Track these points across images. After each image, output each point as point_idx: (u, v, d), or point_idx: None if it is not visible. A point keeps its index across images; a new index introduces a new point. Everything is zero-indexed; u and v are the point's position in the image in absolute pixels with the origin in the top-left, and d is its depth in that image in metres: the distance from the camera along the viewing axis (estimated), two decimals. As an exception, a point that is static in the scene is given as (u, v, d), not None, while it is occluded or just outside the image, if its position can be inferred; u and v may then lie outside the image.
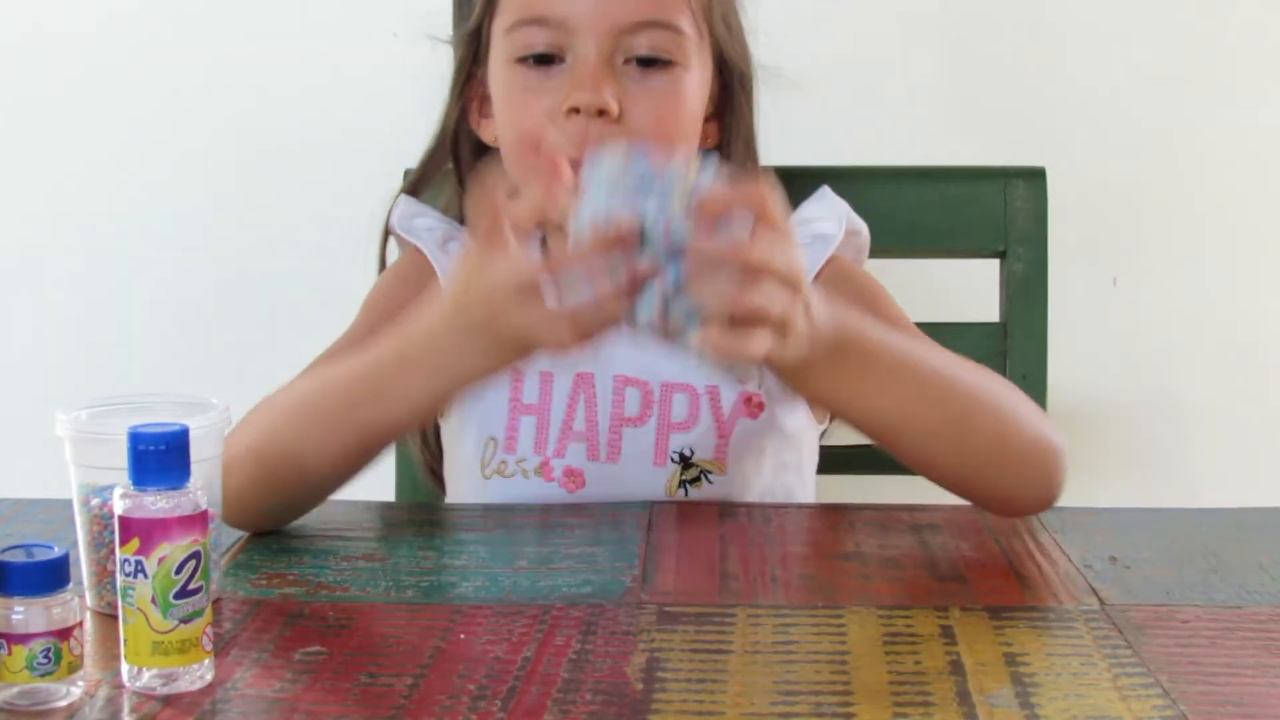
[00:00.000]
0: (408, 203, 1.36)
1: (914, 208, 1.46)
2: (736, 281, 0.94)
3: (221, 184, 1.90)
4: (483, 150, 1.35)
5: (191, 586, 0.86)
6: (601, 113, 1.21)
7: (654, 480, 1.26)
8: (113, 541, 0.89)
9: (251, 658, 0.91)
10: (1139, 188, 1.86)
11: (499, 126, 1.30)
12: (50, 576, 0.85)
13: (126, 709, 0.85)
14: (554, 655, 0.91)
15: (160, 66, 1.88)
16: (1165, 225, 1.87)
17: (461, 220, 1.35)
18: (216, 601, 0.99)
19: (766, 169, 1.34)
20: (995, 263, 1.47)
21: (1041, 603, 1.00)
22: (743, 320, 0.95)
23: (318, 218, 1.89)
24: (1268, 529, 1.16)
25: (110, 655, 0.90)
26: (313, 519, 1.16)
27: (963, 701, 0.85)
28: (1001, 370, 1.45)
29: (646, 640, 0.94)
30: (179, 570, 0.86)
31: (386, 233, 1.40)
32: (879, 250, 1.38)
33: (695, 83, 1.27)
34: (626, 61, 1.24)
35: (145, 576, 0.85)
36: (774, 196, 0.97)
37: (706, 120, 1.31)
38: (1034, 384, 1.44)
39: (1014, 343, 1.45)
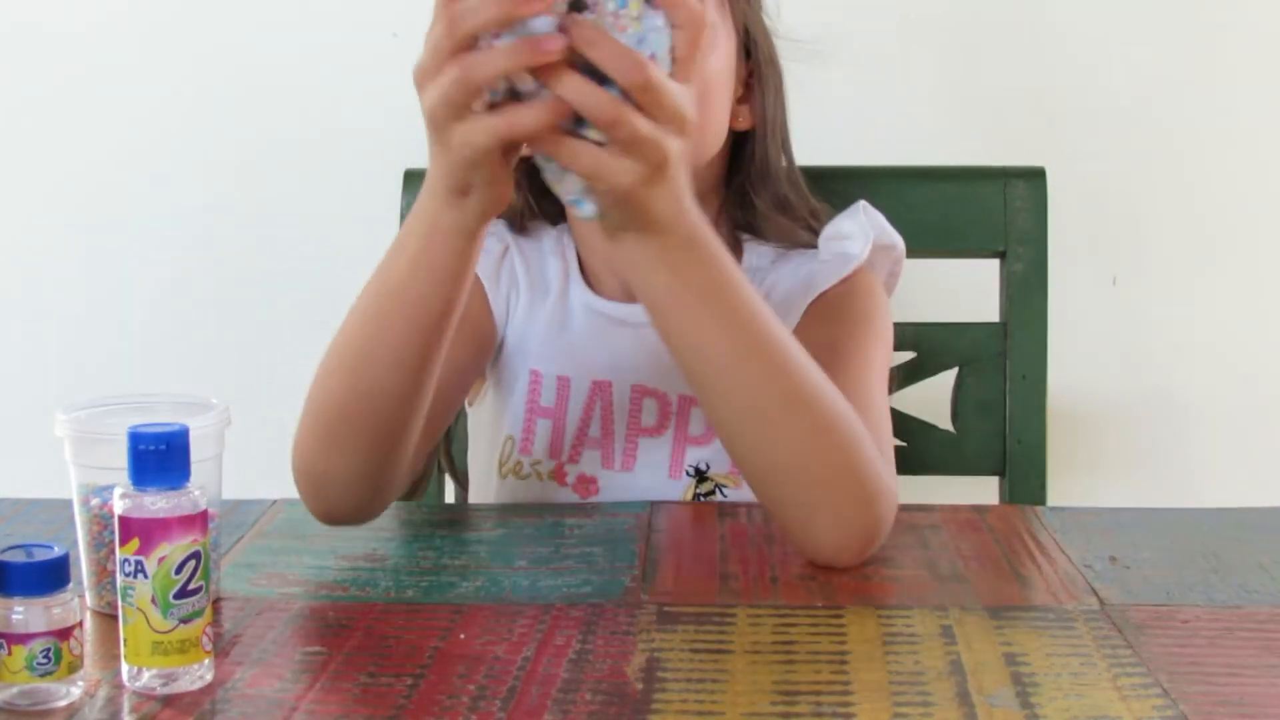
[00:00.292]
0: None
1: (914, 208, 1.46)
2: (628, 96, 0.92)
3: (221, 184, 1.90)
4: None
5: (191, 586, 0.86)
6: None
7: (668, 491, 1.26)
8: (113, 541, 0.89)
9: (251, 658, 0.91)
10: (1139, 188, 1.86)
11: None
12: (50, 576, 0.86)
13: (126, 709, 0.85)
14: (554, 655, 0.91)
15: (160, 66, 1.88)
16: (1165, 225, 1.87)
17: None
18: (216, 601, 0.99)
19: (795, 173, 1.34)
20: (995, 263, 1.47)
21: (1041, 603, 1.00)
22: (623, 141, 0.92)
23: (318, 217, 1.89)
24: (1268, 529, 1.16)
25: (110, 655, 0.90)
26: (313, 519, 1.16)
27: (963, 701, 0.85)
28: (1001, 370, 1.45)
29: (646, 640, 0.94)
30: (179, 570, 0.86)
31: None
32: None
33: (719, 50, 1.25)
34: None
35: (145, 576, 0.85)
36: (704, 42, 0.95)
37: (739, 103, 1.30)
38: (1034, 384, 1.45)
39: (1014, 343, 1.45)
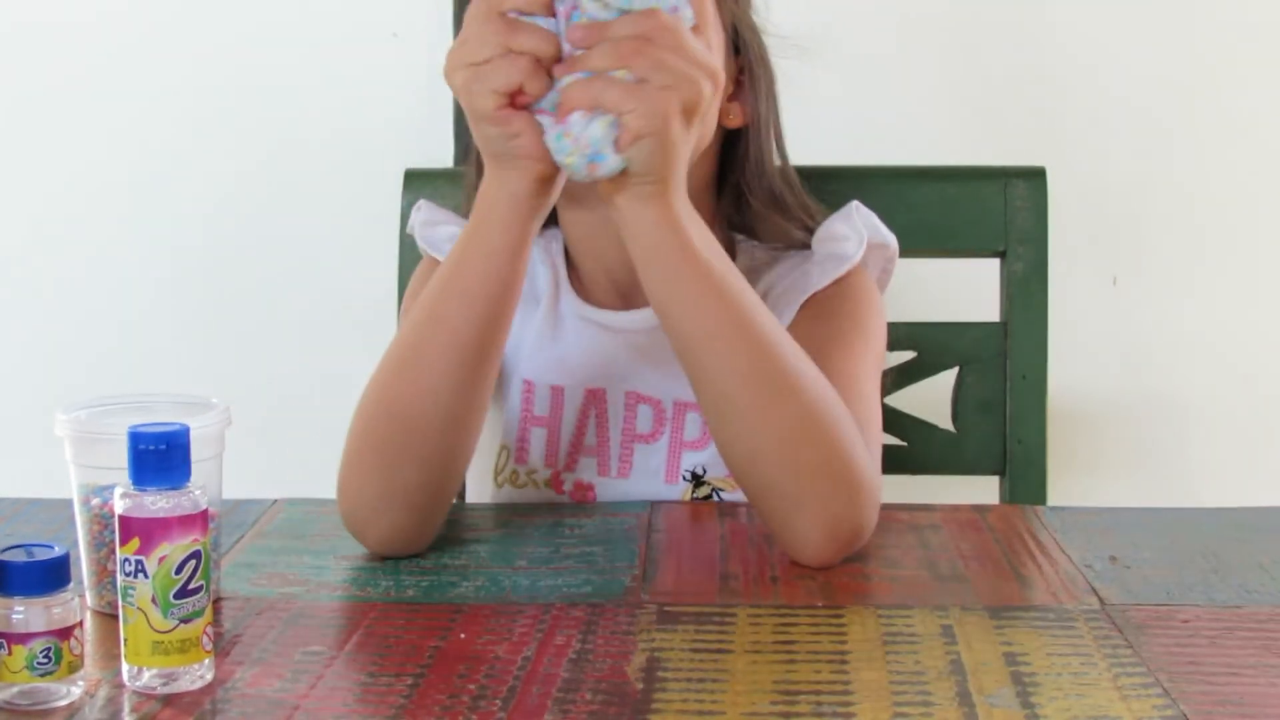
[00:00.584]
0: (430, 209, 1.34)
1: (914, 208, 1.46)
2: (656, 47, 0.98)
3: (221, 184, 1.90)
4: None
5: (191, 586, 0.86)
6: None
7: (665, 497, 1.26)
8: (113, 541, 0.89)
9: (251, 658, 0.91)
10: (1139, 188, 1.86)
11: None
12: (50, 576, 0.86)
13: (126, 709, 0.85)
14: (554, 655, 0.91)
15: (160, 66, 1.88)
16: (1165, 225, 1.87)
17: None
18: (216, 601, 0.99)
19: (790, 172, 1.34)
20: (995, 263, 1.47)
21: (1041, 603, 1.00)
22: (662, 70, 0.99)
23: (318, 217, 1.89)
24: (1268, 529, 1.16)
25: (110, 655, 0.90)
26: (313, 519, 1.16)
27: (963, 701, 0.85)
28: (1001, 370, 1.45)
29: (646, 640, 0.94)
30: (179, 570, 0.86)
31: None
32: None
33: (710, 45, 1.26)
34: None
35: (145, 576, 0.85)
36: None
37: (730, 99, 1.30)
38: (1034, 384, 1.44)
39: (1014, 343, 1.45)
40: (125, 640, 0.87)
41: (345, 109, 1.86)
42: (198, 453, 0.88)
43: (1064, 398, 1.78)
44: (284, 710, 0.84)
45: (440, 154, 1.76)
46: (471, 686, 0.87)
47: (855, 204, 1.32)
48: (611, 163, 1.00)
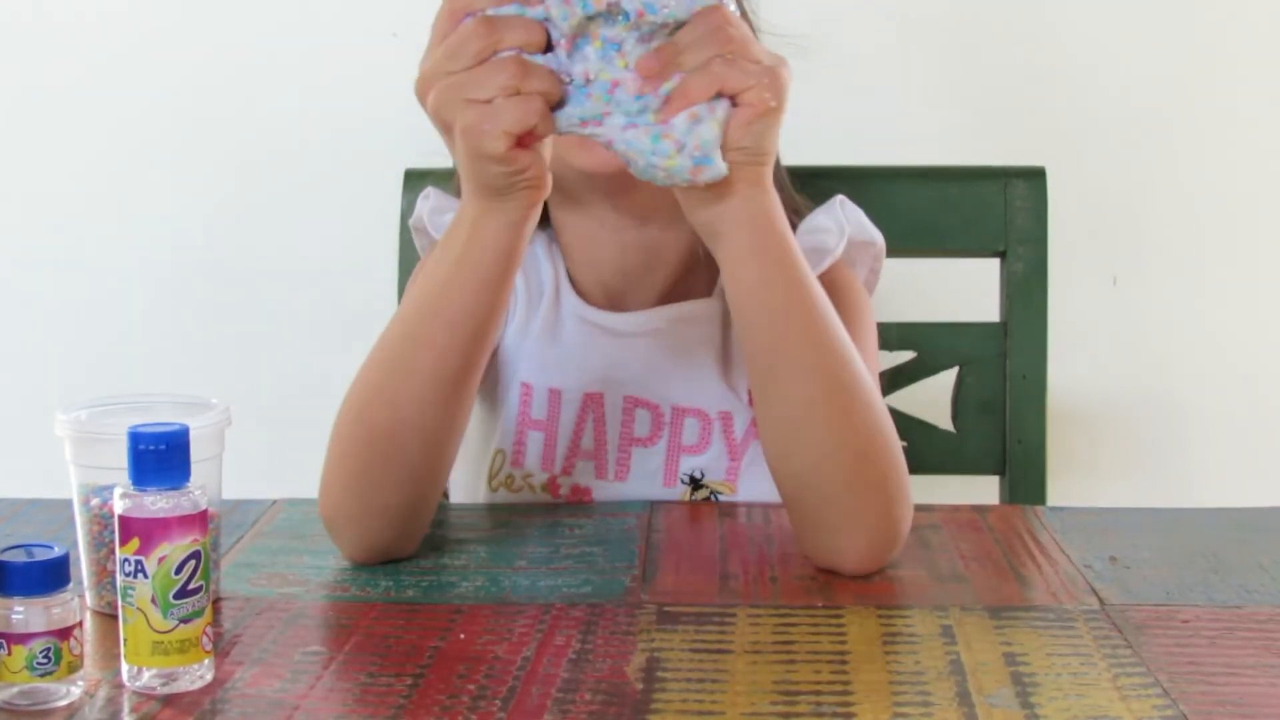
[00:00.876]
0: (439, 196, 1.33)
1: (914, 208, 1.46)
2: (723, 57, 0.96)
3: (221, 183, 1.90)
4: None
5: (191, 586, 0.86)
6: None
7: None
8: (113, 541, 0.89)
9: (251, 658, 0.91)
10: (1139, 188, 1.86)
11: None
12: (50, 576, 0.86)
13: (126, 709, 0.85)
14: (554, 655, 0.91)
15: (160, 66, 1.88)
16: (1165, 225, 1.87)
17: None
18: (216, 601, 0.99)
19: (780, 172, 1.34)
20: (995, 263, 1.47)
21: (1041, 603, 1.00)
22: (757, 64, 0.97)
23: (318, 217, 1.89)
24: (1268, 529, 1.16)
25: (110, 655, 0.90)
26: (313, 519, 1.16)
27: (963, 701, 0.85)
28: (1001, 370, 1.45)
29: (646, 640, 0.94)
30: (179, 570, 0.86)
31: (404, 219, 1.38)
32: (879, 250, 1.38)
33: None
34: None
35: (145, 576, 0.85)
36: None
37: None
38: (1034, 384, 1.44)
39: (1014, 343, 1.45)
40: (125, 640, 0.87)
41: (345, 109, 1.86)
42: (198, 453, 0.88)
43: (1064, 398, 1.78)
44: (284, 710, 0.84)
45: (440, 154, 1.76)
46: (471, 686, 0.87)
47: (840, 198, 1.32)
48: (718, 167, 0.98)
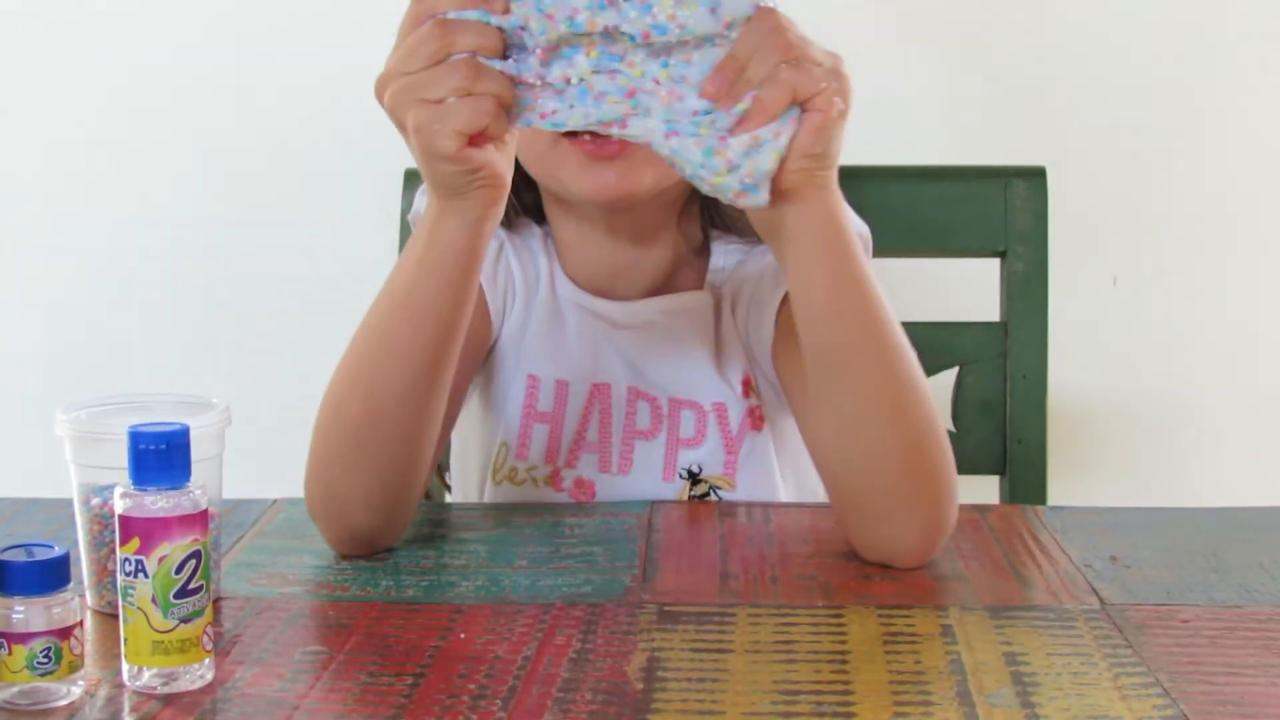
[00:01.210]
0: None
1: (914, 208, 1.46)
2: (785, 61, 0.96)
3: (222, 183, 1.90)
4: None
5: (192, 586, 0.86)
6: None
7: (663, 494, 1.26)
8: (113, 541, 0.89)
9: (251, 657, 0.91)
10: (1139, 188, 1.86)
11: None
12: (50, 576, 0.86)
13: (127, 708, 0.85)
14: (554, 655, 0.91)
15: (161, 65, 1.88)
16: (1166, 224, 1.87)
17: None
18: (216, 601, 0.99)
19: None
20: (995, 263, 1.47)
21: (1041, 602, 1.00)
22: (823, 68, 0.97)
23: (318, 217, 1.89)
24: (1268, 529, 1.16)
25: (110, 655, 0.90)
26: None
27: (963, 701, 0.85)
28: (1001, 370, 1.45)
29: (646, 640, 0.94)
30: (179, 570, 0.86)
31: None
32: (879, 250, 1.38)
33: None
34: None
35: (145, 576, 0.85)
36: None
37: None
38: (1034, 384, 1.44)
39: (1014, 343, 1.45)
40: (125, 640, 0.87)
41: (345, 109, 1.86)
42: (198, 453, 0.88)
43: (1064, 398, 1.78)
44: (284, 710, 0.84)
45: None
46: (471, 686, 0.87)
47: None
48: (761, 198, 0.98)
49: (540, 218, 1.31)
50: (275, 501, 1.21)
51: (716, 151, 0.97)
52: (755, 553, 1.10)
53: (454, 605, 1.00)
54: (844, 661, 0.90)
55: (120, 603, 0.87)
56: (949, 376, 1.46)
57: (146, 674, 0.86)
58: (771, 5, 0.98)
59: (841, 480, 1.09)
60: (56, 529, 1.11)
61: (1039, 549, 1.11)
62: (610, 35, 0.97)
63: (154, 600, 0.86)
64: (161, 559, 0.85)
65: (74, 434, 0.98)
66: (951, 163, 1.51)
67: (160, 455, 0.86)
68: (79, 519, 0.99)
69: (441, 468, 1.40)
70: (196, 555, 0.86)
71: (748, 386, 1.27)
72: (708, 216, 1.30)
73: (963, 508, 1.19)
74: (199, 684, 0.87)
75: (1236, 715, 0.84)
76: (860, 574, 1.06)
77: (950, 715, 0.83)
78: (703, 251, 1.31)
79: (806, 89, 0.97)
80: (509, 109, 0.98)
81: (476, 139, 0.98)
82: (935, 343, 1.46)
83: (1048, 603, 1.00)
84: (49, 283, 1.93)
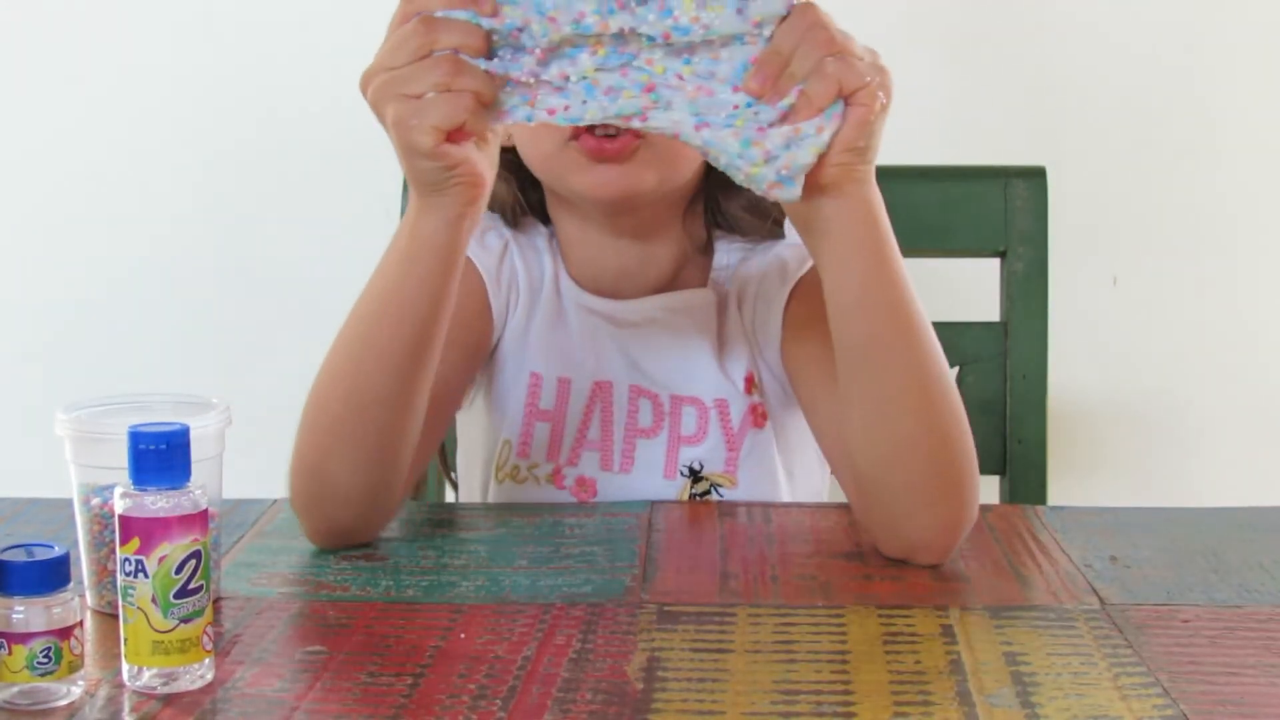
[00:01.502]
0: None
1: (914, 208, 1.46)
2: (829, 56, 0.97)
3: (222, 183, 1.90)
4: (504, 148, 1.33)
5: (192, 586, 0.86)
6: None
7: (664, 492, 1.26)
8: (113, 541, 0.89)
9: (251, 657, 0.91)
10: (1139, 188, 1.86)
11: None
12: (50, 576, 0.86)
13: (127, 708, 0.85)
14: (554, 655, 0.91)
15: (161, 65, 1.88)
16: (1166, 224, 1.87)
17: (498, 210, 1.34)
18: (216, 601, 0.99)
19: None
20: (995, 262, 1.47)
21: (1041, 602, 1.00)
22: (864, 62, 0.97)
23: (318, 217, 1.89)
24: (1268, 529, 1.16)
25: (110, 654, 0.90)
26: (313, 519, 1.16)
27: (963, 701, 0.85)
28: (1001, 370, 1.45)
29: (647, 640, 0.94)
30: (179, 570, 0.86)
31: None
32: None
33: None
34: None
35: (145, 576, 0.85)
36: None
37: None
38: (1034, 384, 1.44)
39: (1014, 343, 1.45)
40: (125, 640, 0.87)
41: (345, 109, 1.85)
42: (198, 452, 0.88)
43: (1064, 398, 1.78)
44: (284, 710, 0.84)
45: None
46: (471, 686, 0.87)
47: None
48: (794, 191, 0.99)
49: (546, 217, 1.31)
50: (275, 501, 1.21)
51: (754, 142, 0.98)
52: (755, 553, 1.10)
53: (454, 605, 1.00)
54: (844, 661, 0.90)
55: (120, 603, 0.87)
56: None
57: (146, 674, 0.86)
58: (809, 0, 0.98)
59: (865, 474, 1.09)
60: (56, 529, 1.11)
61: (1039, 549, 1.11)
62: (623, 37, 0.97)
63: (154, 600, 0.86)
64: (161, 559, 0.85)
65: (74, 434, 0.98)
66: (951, 163, 1.51)
67: (160, 455, 0.86)
68: (79, 519, 0.98)
69: (448, 466, 1.40)
70: (196, 555, 0.86)
71: (750, 383, 1.27)
72: (711, 216, 1.30)
73: (962, 508, 1.19)
74: (199, 684, 0.87)
75: (1236, 715, 0.84)
76: (860, 574, 1.06)
77: (950, 715, 0.83)
78: (707, 250, 1.31)
79: (852, 83, 0.97)
80: (491, 107, 0.98)
81: (455, 135, 0.98)
82: (935, 343, 1.46)
83: (1048, 603, 1.00)
84: (49, 283, 1.93)
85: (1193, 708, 0.84)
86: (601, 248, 1.27)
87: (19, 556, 0.86)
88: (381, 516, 1.13)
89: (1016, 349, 1.45)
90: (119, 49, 1.89)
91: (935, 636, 0.94)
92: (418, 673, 0.89)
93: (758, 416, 1.27)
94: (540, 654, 0.91)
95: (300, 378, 1.11)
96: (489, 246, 1.29)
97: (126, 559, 0.86)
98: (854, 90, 0.98)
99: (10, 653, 0.84)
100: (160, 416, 0.92)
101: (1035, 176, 1.46)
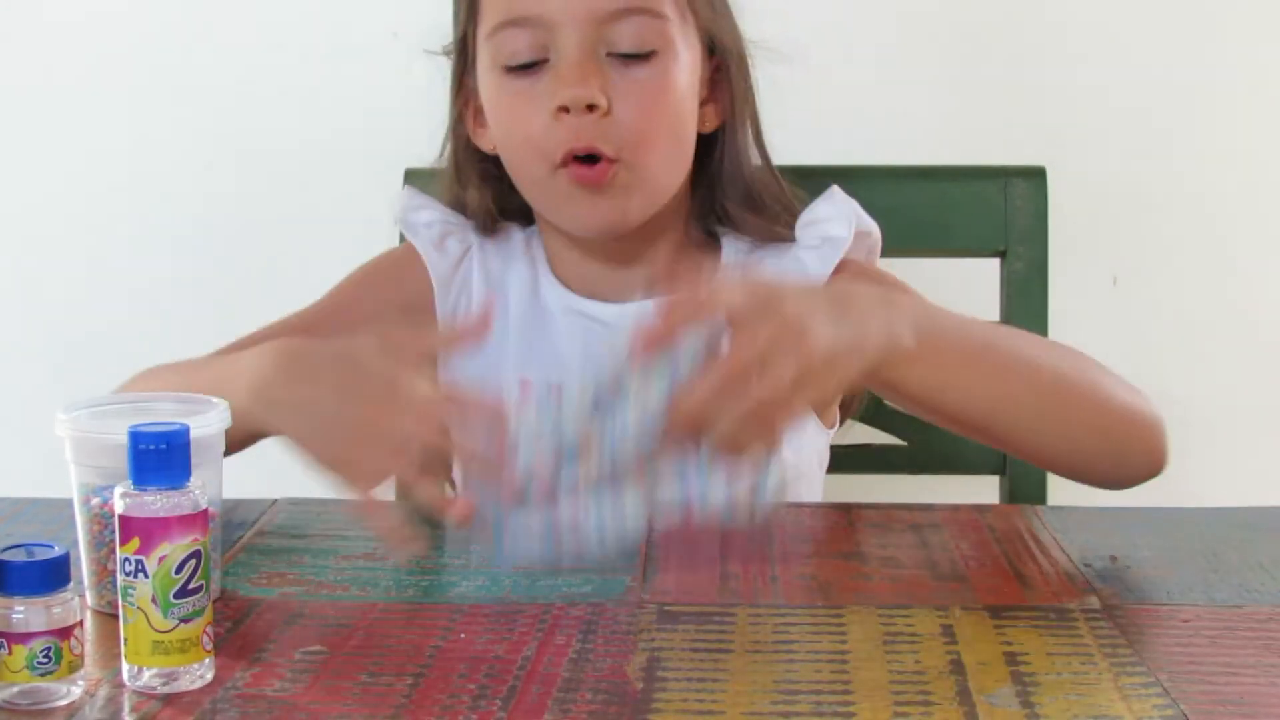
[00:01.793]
0: (411, 194, 1.34)
1: (914, 208, 1.46)
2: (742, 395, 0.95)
3: (222, 183, 1.90)
4: (483, 156, 1.33)
5: (192, 586, 0.86)
6: (591, 108, 1.20)
7: None
8: (113, 541, 0.89)
9: (251, 658, 0.91)
10: (1139, 188, 1.86)
11: (495, 136, 1.29)
12: (50, 576, 0.85)
13: (127, 708, 0.85)
14: (554, 655, 0.91)
15: (160, 65, 1.88)
16: (1165, 224, 1.87)
17: (463, 212, 1.34)
18: (216, 601, 0.99)
19: (771, 170, 1.33)
20: (995, 262, 1.47)
21: (1041, 602, 1.00)
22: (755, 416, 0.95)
23: (318, 217, 1.89)
24: (1268, 529, 1.16)
25: (110, 654, 0.90)
26: (313, 519, 1.16)
27: (963, 701, 0.85)
28: (1001, 370, 1.45)
29: (647, 640, 0.94)
30: (179, 569, 0.86)
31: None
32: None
33: (683, 68, 1.25)
34: (610, 55, 1.23)
35: (145, 576, 0.85)
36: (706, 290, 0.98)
37: (703, 104, 1.29)
38: (1034, 384, 1.44)
39: (1014, 343, 1.45)
40: (125, 640, 0.87)
41: (345, 109, 1.86)
42: (198, 452, 0.88)
43: (1064, 398, 1.78)
44: (284, 710, 0.84)
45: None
46: (471, 686, 0.87)
47: (834, 188, 1.32)
48: (765, 507, 0.98)
49: (525, 219, 1.32)
50: (275, 501, 1.21)
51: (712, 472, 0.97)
52: (755, 553, 1.10)
53: (454, 605, 1.00)
54: (844, 661, 0.90)
55: (120, 603, 0.87)
56: (949, 376, 1.46)
57: (146, 674, 0.86)
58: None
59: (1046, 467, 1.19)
60: (56, 529, 1.11)
61: (1039, 549, 1.11)
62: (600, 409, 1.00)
63: (154, 600, 0.86)
64: (161, 559, 0.85)
65: (74, 434, 0.98)
66: (951, 163, 1.51)
67: (160, 455, 0.86)
68: (79, 519, 0.98)
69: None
70: (196, 555, 0.86)
71: None
72: (714, 215, 1.30)
73: (963, 508, 1.19)
74: (199, 684, 0.87)
75: (1236, 715, 0.84)
76: (860, 574, 1.06)
77: (950, 715, 0.83)
78: (710, 247, 1.30)
79: (745, 440, 0.95)
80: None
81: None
82: (935, 343, 1.46)
83: (1048, 602, 1.00)
84: (50, 282, 1.93)
85: (1193, 708, 0.84)
86: (590, 250, 1.28)
87: (19, 556, 0.86)
88: None
89: (1016, 349, 1.44)
90: (119, 49, 1.89)
91: (935, 636, 0.94)
92: (418, 673, 0.89)
93: None
94: (540, 654, 0.91)
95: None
96: (447, 251, 1.30)
97: (126, 559, 0.86)
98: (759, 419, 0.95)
99: (10, 653, 0.84)
100: (160, 416, 0.92)
101: (1035, 176, 1.46)
